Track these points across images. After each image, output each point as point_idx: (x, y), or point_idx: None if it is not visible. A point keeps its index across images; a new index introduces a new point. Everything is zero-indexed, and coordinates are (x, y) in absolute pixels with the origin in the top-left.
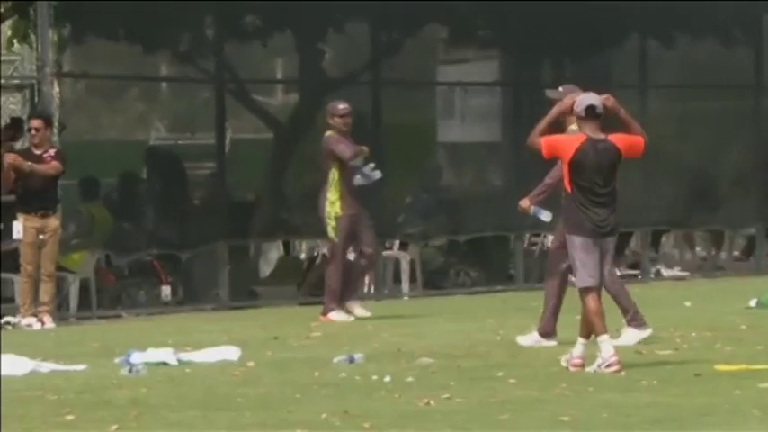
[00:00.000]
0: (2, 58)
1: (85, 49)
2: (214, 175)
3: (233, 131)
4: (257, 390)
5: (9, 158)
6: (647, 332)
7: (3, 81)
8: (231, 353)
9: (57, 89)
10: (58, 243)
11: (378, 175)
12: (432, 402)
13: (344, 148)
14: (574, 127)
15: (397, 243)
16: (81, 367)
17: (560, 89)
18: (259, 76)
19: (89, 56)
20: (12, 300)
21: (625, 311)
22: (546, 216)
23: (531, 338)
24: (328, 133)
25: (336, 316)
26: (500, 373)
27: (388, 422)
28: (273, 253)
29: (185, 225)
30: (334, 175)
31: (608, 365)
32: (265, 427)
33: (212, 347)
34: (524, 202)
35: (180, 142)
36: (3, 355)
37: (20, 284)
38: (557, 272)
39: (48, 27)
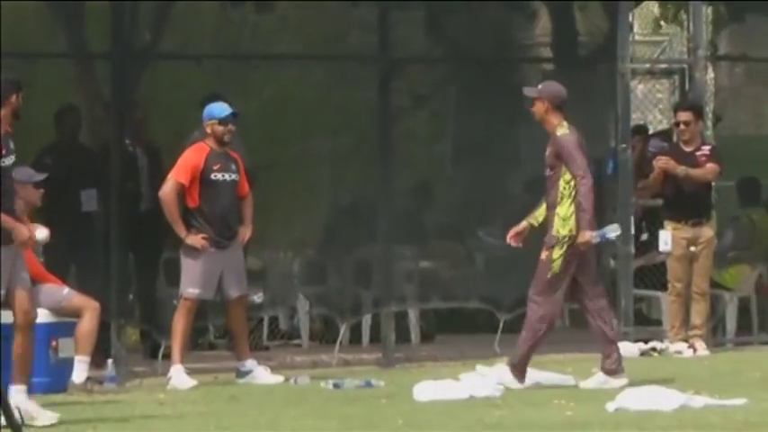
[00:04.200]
0: (647, 39)
1: (744, 27)
2: None
3: None
4: None
5: (660, 162)
6: None
7: (648, 65)
8: None
9: (711, 75)
10: (712, 256)
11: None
12: None
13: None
14: (564, 131)
15: None
16: (740, 401)
17: (539, 86)
18: None
19: (748, 36)
20: (658, 322)
21: None
22: (613, 231)
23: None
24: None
25: None
26: None
27: None
28: None
29: None
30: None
31: None
32: None
33: None
34: (586, 236)
35: None
36: (648, 387)
37: (667, 304)
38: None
39: (702, 4)
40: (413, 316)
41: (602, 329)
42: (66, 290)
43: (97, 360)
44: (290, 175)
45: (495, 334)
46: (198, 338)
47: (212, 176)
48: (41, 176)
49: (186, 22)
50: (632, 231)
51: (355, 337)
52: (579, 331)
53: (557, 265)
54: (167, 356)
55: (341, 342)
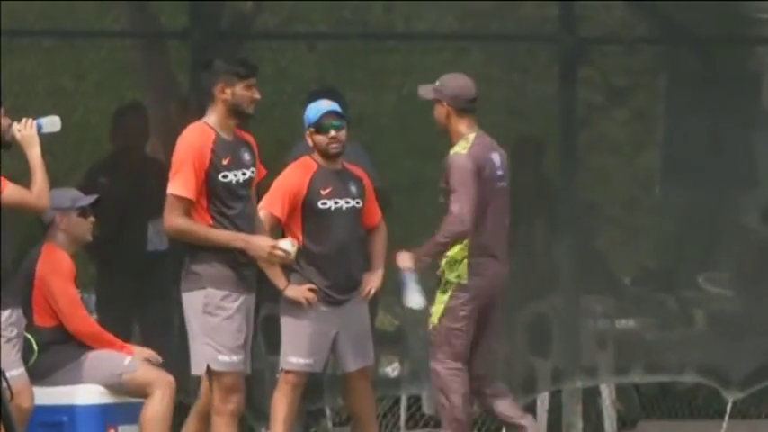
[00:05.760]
0: None
1: None
2: None
3: None
4: None
5: None
6: None
7: None
8: None
9: None
10: None
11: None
12: None
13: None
14: (459, 149)
15: None
16: None
17: (437, 82)
18: None
19: None
20: None
21: None
22: (415, 301)
23: None
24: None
25: None
26: None
27: None
28: None
29: None
30: None
31: None
32: None
33: None
34: (406, 259)
35: None
36: None
37: None
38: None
39: None
40: (607, 394)
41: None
42: (128, 359)
43: None
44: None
45: (722, 420)
46: (311, 425)
47: (320, 204)
48: (88, 200)
49: None
50: None
51: None
52: None
53: (436, 315)
54: None
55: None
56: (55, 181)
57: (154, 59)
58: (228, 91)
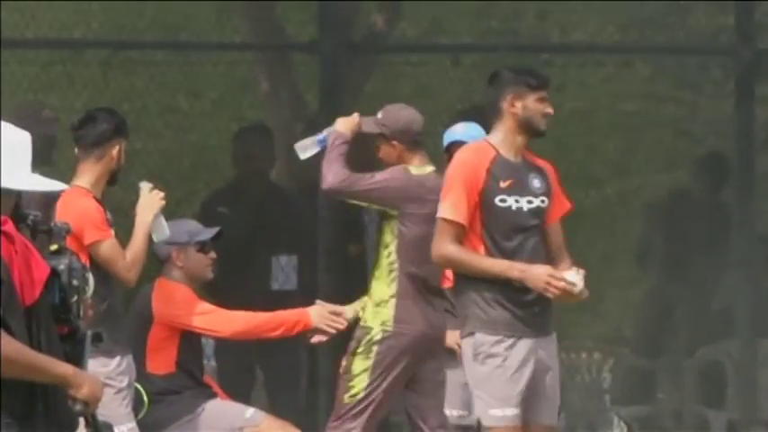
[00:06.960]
0: None
1: None
2: None
3: None
4: None
5: None
6: None
7: None
8: None
9: None
10: None
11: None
12: None
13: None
14: (415, 171)
15: None
16: None
17: (379, 115)
18: None
19: None
20: None
21: None
22: (304, 148)
23: None
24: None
25: None
26: None
27: None
28: None
29: None
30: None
31: None
32: None
33: None
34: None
35: None
36: None
37: None
38: None
39: None
40: None
41: None
42: (250, 411)
43: None
44: (598, 232)
45: None
46: None
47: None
48: (209, 233)
49: None
50: None
51: None
52: None
53: (358, 388)
54: None
55: None
56: (168, 212)
57: (278, 75)
58: (518, 104)
